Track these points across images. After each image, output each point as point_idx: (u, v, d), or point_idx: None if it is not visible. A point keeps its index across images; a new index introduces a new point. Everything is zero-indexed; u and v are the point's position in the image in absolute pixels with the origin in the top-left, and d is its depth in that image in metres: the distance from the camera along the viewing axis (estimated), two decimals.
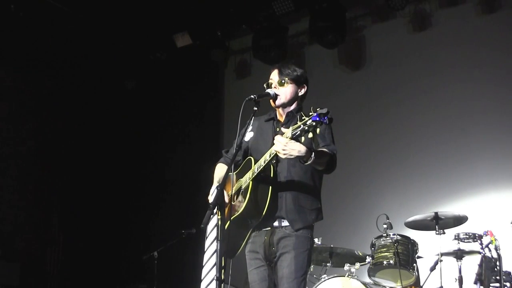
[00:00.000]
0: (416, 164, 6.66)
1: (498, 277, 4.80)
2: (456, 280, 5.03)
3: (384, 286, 5.30)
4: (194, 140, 7.94)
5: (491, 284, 4.82)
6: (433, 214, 5.26)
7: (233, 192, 3.61)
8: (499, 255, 4.85)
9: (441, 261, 5.09)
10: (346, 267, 5.31)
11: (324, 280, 5.16)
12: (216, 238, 3.16)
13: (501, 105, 6.38)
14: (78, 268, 7.27)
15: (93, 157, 7.58)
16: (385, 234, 5.29)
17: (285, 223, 3.50)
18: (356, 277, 5.18)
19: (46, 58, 7.23)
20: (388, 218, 5.34)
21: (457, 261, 5.10)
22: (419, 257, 5.33)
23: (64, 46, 7.29)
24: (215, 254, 3.19)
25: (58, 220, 7.32)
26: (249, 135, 3.71)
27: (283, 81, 3.63)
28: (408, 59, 7.05)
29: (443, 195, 6.37)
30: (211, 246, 3.59)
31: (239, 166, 3.69)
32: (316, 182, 3.61)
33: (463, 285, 4.98)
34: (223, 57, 8.08)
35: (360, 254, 5.53)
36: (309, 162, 3.28)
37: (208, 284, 3.54)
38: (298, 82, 3.66)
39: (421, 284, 5.26)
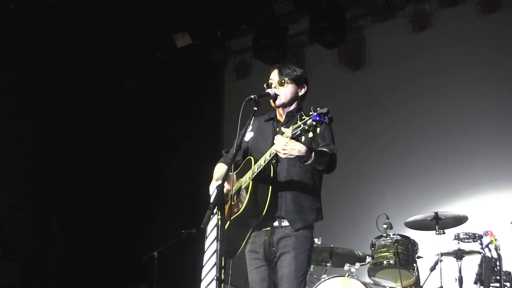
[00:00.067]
0: (416, 164, 6.66)
1: (498, 277, 4.80)
2: (456, 280, 5.03)
3: (384, 286, 5.30)
4: (194, 140, 7.94)
5: (491, 284, 4.81)
6: (433, 214, 5.26)
7: (233, 192, 3.61)
8: (499, 255, 4.85)
9: (441, 261, 5.09)
10: (346, 267, 5.31)
11: (324, 280, 5.16)
12: (216, 238, 3.16)
13: (501, 105, 6.38)
14: (78, 268, 7.27)
15: (93, 157, 7.58)
16: (385, 234, 5.28)
17: (285, 223, 3.50)
18: (356, 277, 5.18)
19: (46, 58, 7.23)
20: (388, 218, 5.34)
21: (457, 261, 5.10)
22: (419, 257, 5.33)
23: (64, 46, 7.30)
24: (215, 254, 3.19)
25: (58, 220, 7.32)
26: (249, 135, 3.71)
27: (283, 81, 3.63)
28: (408, 59, 7.05)
29: (443, 195, 6.37)
30: (211, 246, 3.58)
31: (239, 166, 3.69)
32: (316, 182, 3.60)
33: (463, 285, 4.98)
34: (223, 57, 8.08)
35: (360, 254, 5.53)
36: (309, 162, 3.28)
37: (208, 284, 3.53)
38: (298, 82, 3.66)
39: (421, 284, 5.26)
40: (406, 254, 5.21)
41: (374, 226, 5.39)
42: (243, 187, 3.55)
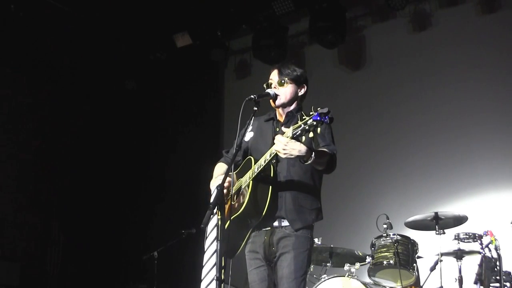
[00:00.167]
0: (416, 164, 6.66)
1: (498, 277, 4.80)
2: (456, 280, 5.03)
3: (384, 286, 5.30)
4: (194, 140, 7.94)
5: (491, 284, 4.81)
6: (433, 214, 5.26)
7: (233, 192, 3.61)
8: (499, 255, 4.85)
9: (441, 261, 5.09)
10: (346, 267, 5.31)
11: (324, 280, 5.15)
12: (216, 238, 3.16)
13: (501, 105, 6.38)
14: (78, 268, 7.27)
15: (93, 157, 7.58)
16: (385, 234, 5.28)
17: (285, 223, 3.50)
18: (356, 277, 5.18)
19: (46, 58, 7.23)
20: (388, 218, 5.34)
21: (457, 261, 5.10)
22: (419, 257, 5.33)
23: (64, 46, 7.30)
24: (215, 254, 3.19)
25: (58, 220, 7.32)
26: (249, 135, 3.71)
27: (283, 81, 3.63)
28: (408, 59, 7.05)
29: (443, 195, 6.37)
30: (211, 246, 3.58)
31: (239, 166, 3.69)
32: (316, 182, 3.60)
33: (463, 285, 4.98)
34: (223, 57, 8.08)
35: (360, 254, 5.53)
36: (309, 162, 3.28)
37: (208, 284, 3.53)
38: (298, 82, 3.66)
39: (421, 284, 5.26)
40: (406, 254, 5.21)
41: (374, 226, 5.39)
42: (243, 187, 3.55)
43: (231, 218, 3.44)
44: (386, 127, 6.96)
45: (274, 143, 3.27)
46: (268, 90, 3.61)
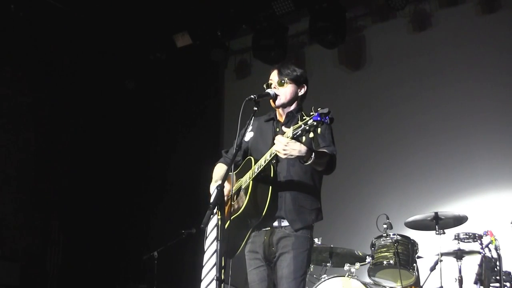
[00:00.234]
0: (416, 164, 6.66)
1: (498, 277, 4.80)
2: (456, 280, 5.03)
3: (384, 286, 5.29)
4: (194, 140, 7.94)
5: (491, 284, 4.81)
6: (433, 214, 5.26)
7: (233, 192, 3.61)
8: (499, 255, 4.85)
9: (441, 261, 5.08)
10: (346, 267, 5.31)
11: (324, 280, 5.15)
12: (216, 238, 3.16)
13: (501, 105, 6.37)
14: (78, 268, 7.27)
15: (93, 157, 7.59)
16: (385, 234, 5.28)
17: (285, 223, 3.50)
18: (356, 277, 5.18)
19: (46, 58, 7.23)
20: (388, 218, 5.34)
21: (457, 261, 5.10)
22: (419, 257, 5.32)
23: (64, 46, 7.30)
24: (215, 254, 3.19)
25: (58, 220, 7.32)
26: (249, 135, 3.71)
27: (282, 81, 3.63)
28: (408, 59, 7.05)
29: (443, 195, 6.37)
30: (211, 246, 3.58)
31: (239, 166, 3.69)
32: (316, 182, 3.60)
33: (463, 285, 4.97)
34: (223, 57, 8.08)
35: (360, 254, 5.52)
36: (309, 162, 3.28)
37: (208, 284, 3.53)
38: (297, 82, 3.66)
39: (421, 284, 5.26)
40: (406, 254, 5.21)
41: (374, 226, 5.39)
42: (243, 187, 3.55)
43: (231, 218, 3.44)
44: (386, 127, 6.96)
45: (274, 143, 3.27)
46: (268, 90, 3.61)
